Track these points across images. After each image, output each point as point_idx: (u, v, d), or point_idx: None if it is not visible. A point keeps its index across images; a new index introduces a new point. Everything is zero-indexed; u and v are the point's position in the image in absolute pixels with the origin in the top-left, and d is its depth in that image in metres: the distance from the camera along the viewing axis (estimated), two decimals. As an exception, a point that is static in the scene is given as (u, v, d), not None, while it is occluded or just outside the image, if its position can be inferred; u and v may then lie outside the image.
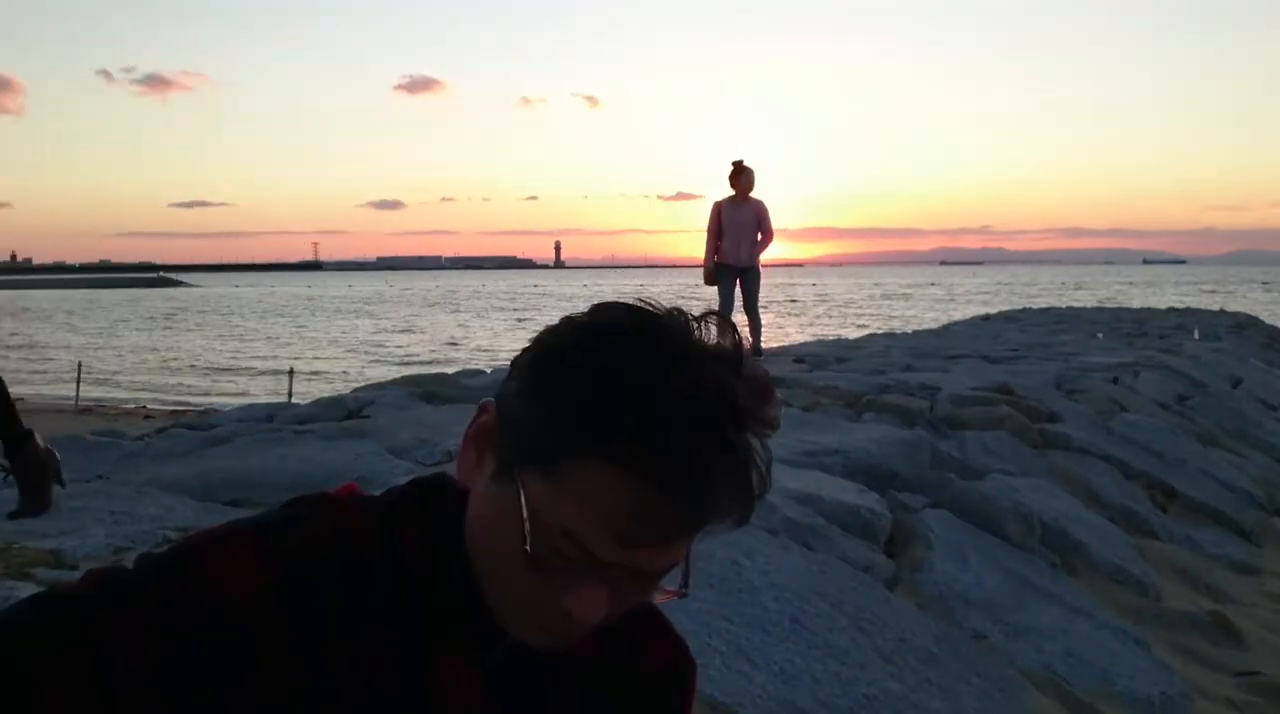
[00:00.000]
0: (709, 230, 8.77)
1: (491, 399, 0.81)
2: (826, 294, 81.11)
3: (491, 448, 0.79)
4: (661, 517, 0.72)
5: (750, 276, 8.69)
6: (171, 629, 0.73)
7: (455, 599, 0.81)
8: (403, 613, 0.80)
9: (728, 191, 8.64)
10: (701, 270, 8.85)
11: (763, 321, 8.82)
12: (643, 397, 0.71)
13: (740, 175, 8.76)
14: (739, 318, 8.51)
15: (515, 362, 0.80)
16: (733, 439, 0.73)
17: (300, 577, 0.77)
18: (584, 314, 0.79)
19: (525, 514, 0.74)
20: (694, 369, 0.73)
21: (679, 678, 0.96)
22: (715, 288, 8.73)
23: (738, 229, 8.64)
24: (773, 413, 0.76)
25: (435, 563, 0.82)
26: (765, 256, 8.65)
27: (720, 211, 8.75)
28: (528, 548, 0.75)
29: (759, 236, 8.67)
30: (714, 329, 0.76)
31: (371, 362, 30.19)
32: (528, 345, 0.80)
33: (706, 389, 0.72)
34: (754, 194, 8.82)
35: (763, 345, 9.16)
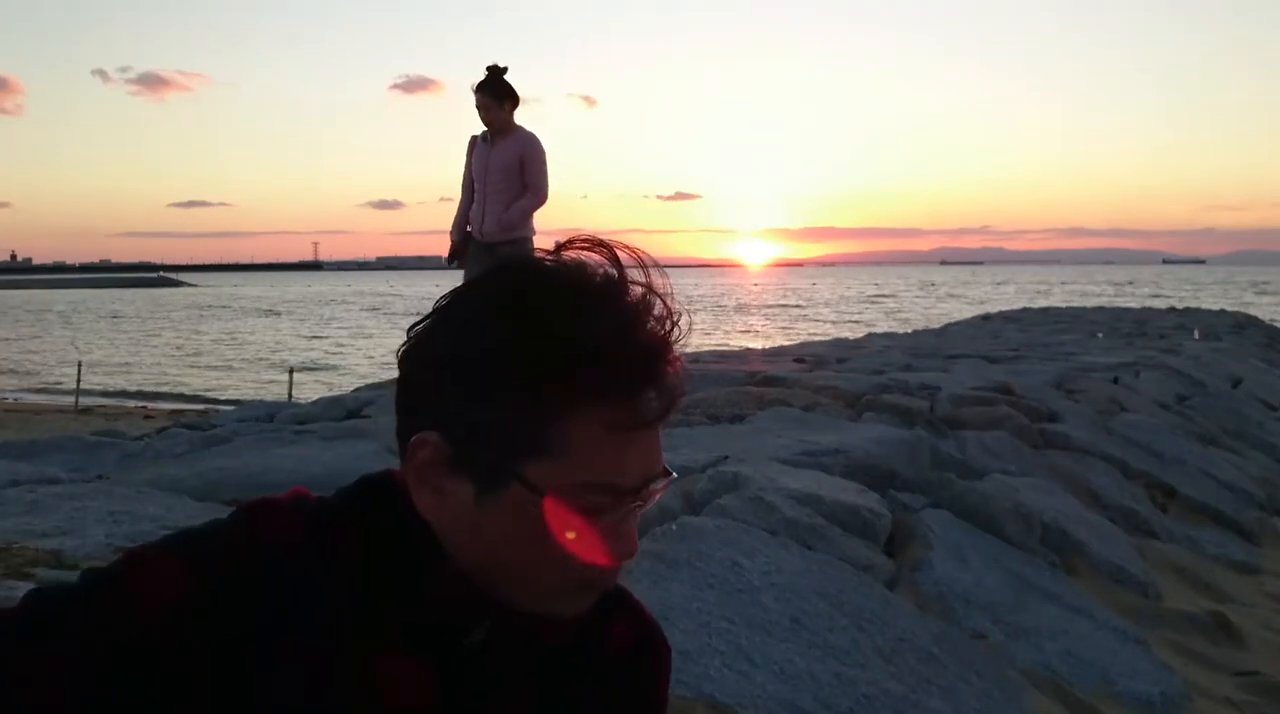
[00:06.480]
0: (462, 183, 5.73)
1: (427, 432, 0.77)
2: (810, 298, 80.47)
3: (453, 475, 0.77)
4: (652, 422, 0.77)
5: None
6: (97, 653, 0.72)
7: (402, 598, 0.80)
8: (340, 617, 0.78)
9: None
10: None
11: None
12: (586, 332, 0.74)
13: (490, 91, 5.45)
14: None
15: (428, 381, 0.78)
16: (663, 330, 0.78)
17: (227, 588, 0.75)
18: (465, 297, 0.79)
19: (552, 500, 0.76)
20: (597, 293, 0.77)
21: (652, 659, 0.94)
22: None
23: (486, 180, 5.53)
24: (670, 298, 0.80)
25: (378, 564, 0.80)
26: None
27: (472, 153, 5.66)
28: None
29: (520, 191, 5.49)
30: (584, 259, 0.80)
31: (366, 359, 30.22)
32: (415, 363, 0.79)
33: (620, 300, 0.77)
34: (527, 127, 5.57)
35: None
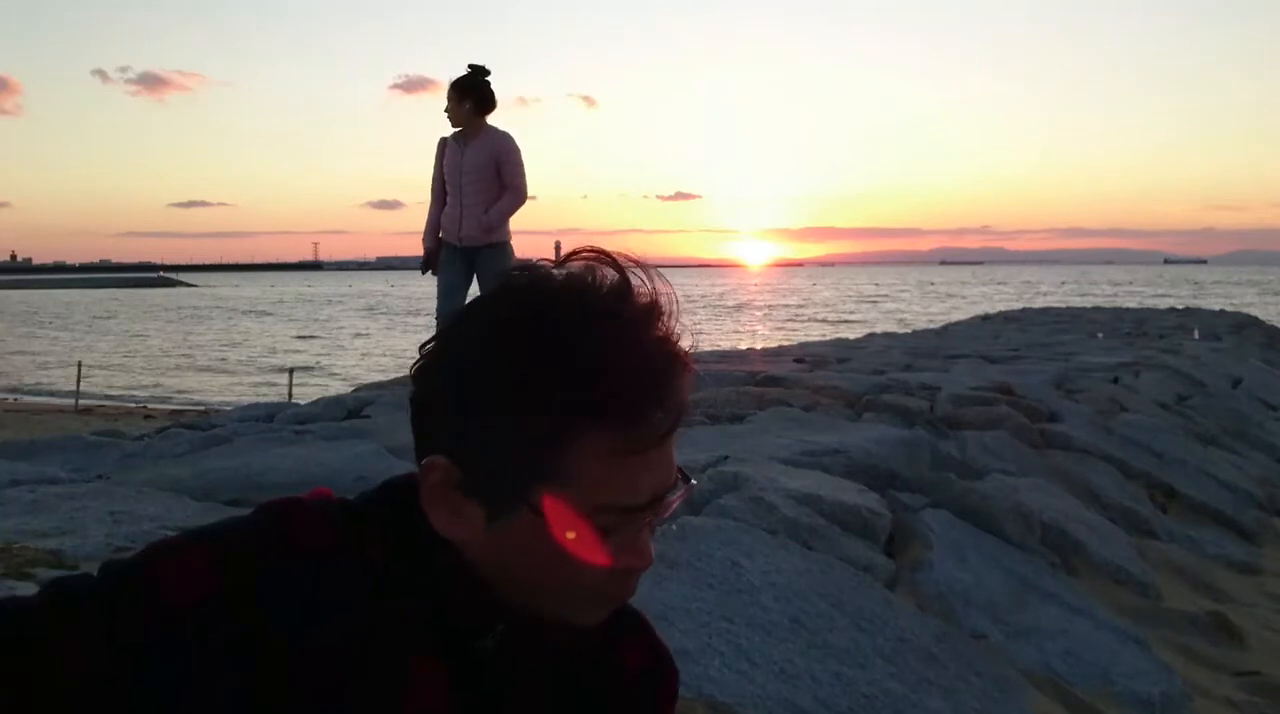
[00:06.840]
0: (432, 187, 5.60)
1: (436, 456, 0.77)
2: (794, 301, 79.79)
3: (464, 498, 0.78)
4: (658, 441, 0.76)
5: (487, 264, 5.35)
6: (119, 643, 0.72)
7: (423, 601, 0.80)
8: (361, 618, 0.78)
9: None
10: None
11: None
12: (592, 354, 0.73)
13: (453, 88, 5.38)
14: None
15: (435, 404, 0.78)
16: (675, 348, 0.77)
17: (252, 584, 0.75)
18: (470, 319, 0.78)
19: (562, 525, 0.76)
20: (602, 313, 0.75)
21: (663, 683, 0.94)
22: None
23: (461, 183, 5.38)
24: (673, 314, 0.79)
25: (401, 566, 0.80)
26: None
27: (442, 155, 5.54)
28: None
29: (498, 193, 5.36)
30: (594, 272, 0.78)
31: (363, 357, 30.23)
32: (425, 385, 0.79)
33: (626, 319, 0.75)
34: (500, 125, 5.42)
35: None
